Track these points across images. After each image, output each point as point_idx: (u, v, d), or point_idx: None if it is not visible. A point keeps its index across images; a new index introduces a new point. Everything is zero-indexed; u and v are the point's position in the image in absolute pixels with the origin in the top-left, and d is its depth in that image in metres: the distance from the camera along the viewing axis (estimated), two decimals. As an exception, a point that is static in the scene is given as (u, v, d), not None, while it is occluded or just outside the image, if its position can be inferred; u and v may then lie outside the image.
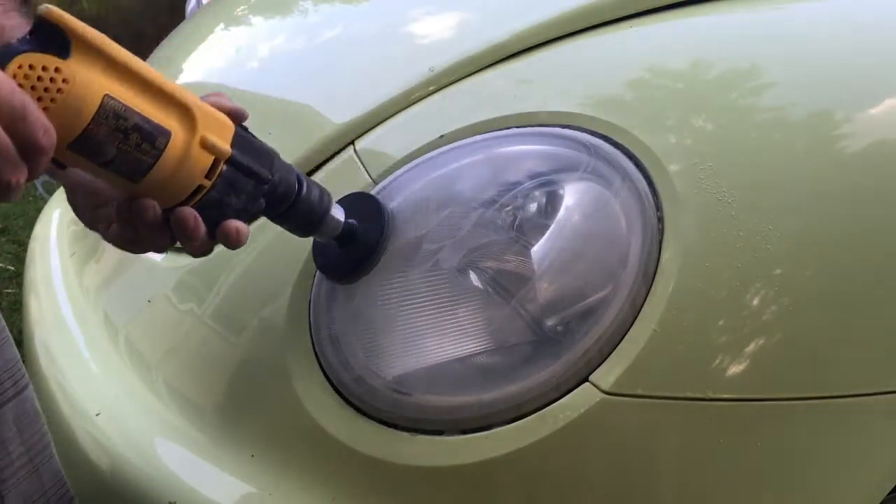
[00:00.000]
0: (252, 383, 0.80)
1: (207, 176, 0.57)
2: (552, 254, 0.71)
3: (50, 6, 0.50)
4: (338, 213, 0.69)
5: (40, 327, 1.06)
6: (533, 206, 0.74)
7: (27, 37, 0.50)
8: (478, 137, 0.80)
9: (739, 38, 0.88)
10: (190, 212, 0.57)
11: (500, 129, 0.80)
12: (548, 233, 0.71)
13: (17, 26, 0.61)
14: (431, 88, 0.88)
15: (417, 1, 1.14)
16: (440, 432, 0.70)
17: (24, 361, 0.84)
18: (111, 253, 1.10)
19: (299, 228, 0.68)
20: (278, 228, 0.87)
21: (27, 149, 0.47)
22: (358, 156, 0.86)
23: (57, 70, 0.49)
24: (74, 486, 0.88)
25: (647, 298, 0.68)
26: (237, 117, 0.61)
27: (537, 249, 0.71)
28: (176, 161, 0.54)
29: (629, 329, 0.67)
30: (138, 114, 0.52)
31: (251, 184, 0.60)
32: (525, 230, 0.73)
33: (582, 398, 0.67)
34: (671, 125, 0.76)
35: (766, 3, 0.96)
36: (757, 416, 0.68)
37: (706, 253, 0.68)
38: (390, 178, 0.80)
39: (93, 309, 1.04)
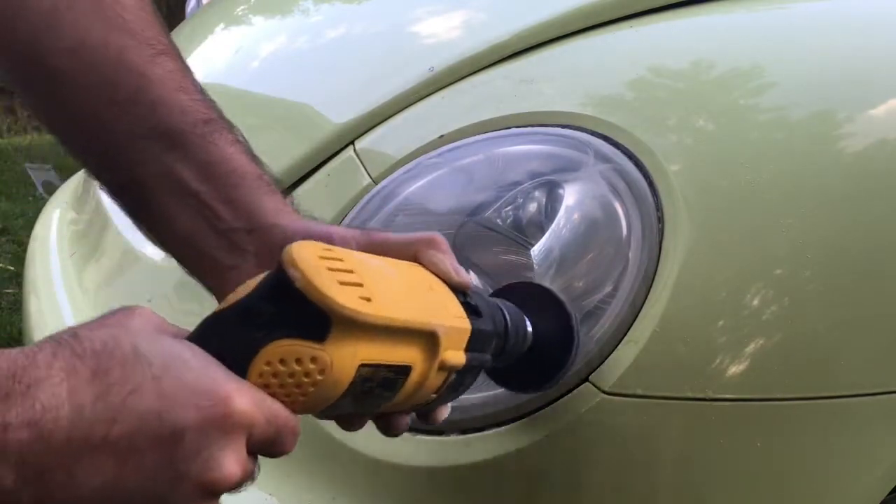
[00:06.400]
0: (252, 383, 0.80)
1: (435, 391, 0.48)
2: (552, 254, 0.71)
3: (308, 273, 0.37)
4: (528, 327, 0.59)
5: (40, 327, 1.06)
6: (533, 206, 0.74)
7: (270, 309, 0.38)
8: (478, 137, 0.80)
9: (739, 38, 0.88)
10: (404, 420, 0.51)
11: (500, 129, 0.80)
12: (548, 233, 0.71)
13: (168, 74, 0.55)
14: (431, 88, 0.88)
15: (418, 1, 1.14)
16: (440, 432, 0.70)
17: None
18: (111, 253, 1.10)
19: (499, 363, 0.58)
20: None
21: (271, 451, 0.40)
22: (358, 156, 0.86)
23: (314, 360, 0.38)
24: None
25: (647, 298, 0.68)
26: (462, 287, 0.51)
27: (537, 249, 0.71)
28: (408, 394, 0.45)
29: (629, 329, 0.67)
30: (385, 366, 0.42)
31: (472, 376, 0.52)
32: (525, 230, 0.73)
33: (582, 398, 0.67)
34: (671, 125, 0.76)
35: (766, 3, 0.96)
36: (757, 416, 0.68)
37: (706, 253, 0.68)
38: (390, 177, 0.80)
39: (93, 309, 1.04)
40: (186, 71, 0.57)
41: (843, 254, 0.70)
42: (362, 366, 0.40)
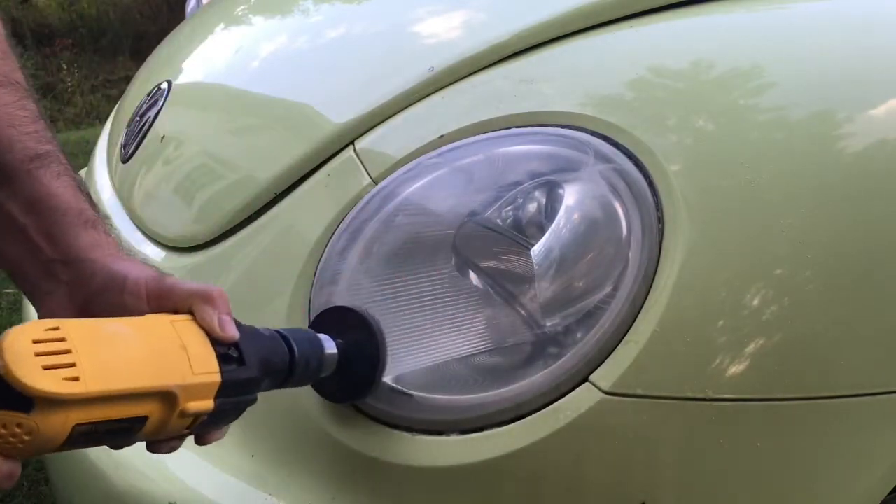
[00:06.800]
0: (252, 383, 0.80)
1: (188, 427, 0.55)
2: (552, 254, 0.71)
3: (11, 362, 0.45)
4: (330, 349, 0.66)
5: (40, 327, 1.06)
6: (533, 206, 0.74)
7: None
8: (478, 137, 0.80)
9: (739, 38, 0.88)
10: (168, 444, 0.57)
11: (500, 129, 0.80)
12: (548, 233, 0.71)
13: (2, 108, 0.59)
14: (431, 88, 0.88)
15: (418, 1, 1.14)
16: (440, 432, 0.70)
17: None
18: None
19: (299, 386, 0.65)
20: (278, 230, 0.88)
21: None
22: (358, 156, 0.86)
23: (19, 425, 0.45)
24: (75, 488, 0.88)
25: (647, 298, 0.68)
26: (225, 341, 0.57)
27: (537, 249, 0.71)
28: (152, 433, 0.53)
29: (629, 329, 0.68)
30: (110, 421, 0.49)
31: (233, 412, 0.58)
32: (525, 230, 0.73)
33: (582, 398, 0.67)
34: (671, 125, 0.76)
35: (766, 3, 0.96)
36: (757, 416, 0.68)
37: (706, 253, 0.68)
38: (390, 178, 0.80)
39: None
40: (24, 102, 0.61)
41: (843, 254, 0.70)
42: (78, 425, 0.47)
